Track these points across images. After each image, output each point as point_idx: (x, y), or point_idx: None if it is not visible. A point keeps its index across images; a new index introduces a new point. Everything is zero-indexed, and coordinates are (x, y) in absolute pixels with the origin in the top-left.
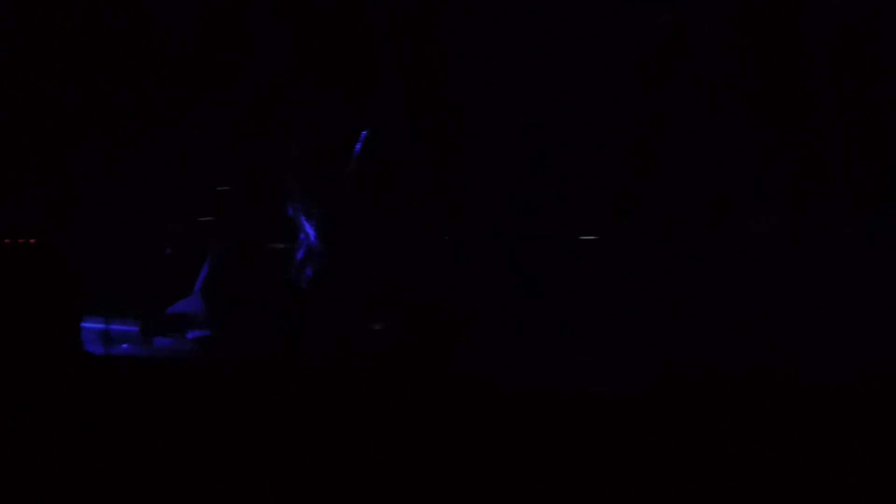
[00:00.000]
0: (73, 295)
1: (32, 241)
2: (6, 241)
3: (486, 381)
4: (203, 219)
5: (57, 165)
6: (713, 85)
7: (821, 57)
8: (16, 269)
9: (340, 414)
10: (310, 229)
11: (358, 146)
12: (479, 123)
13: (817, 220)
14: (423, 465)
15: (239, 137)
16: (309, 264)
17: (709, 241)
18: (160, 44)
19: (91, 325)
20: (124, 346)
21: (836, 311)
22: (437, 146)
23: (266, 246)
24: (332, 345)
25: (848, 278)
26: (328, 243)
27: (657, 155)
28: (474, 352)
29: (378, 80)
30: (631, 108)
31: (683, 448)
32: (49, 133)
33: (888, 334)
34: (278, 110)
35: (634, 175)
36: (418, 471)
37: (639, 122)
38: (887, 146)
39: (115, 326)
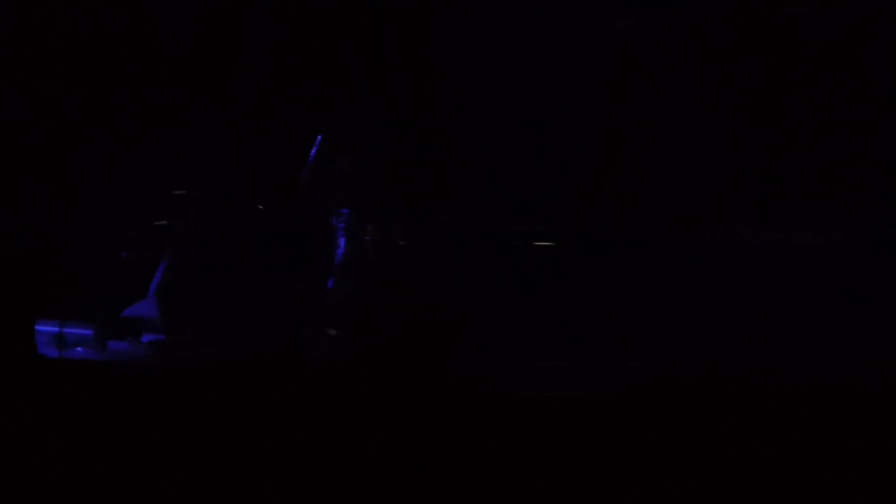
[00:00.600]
0: (27, 299)
1: None
2: None
3: (455, 386)
4: (158, 223)
5: (56, 166)
6: (677, 90)
7: (788, 63)
8: None
9: (310, 419)
10: (340, 234)
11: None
12: (448, 128)
13: (781, 228)
14: (400, 470)
15: (235, 138)
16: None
17: (674, 249)
18: (160, 44)
19: (45, 328)
20: (79, 349)
21: (802, 319)
22: (411, 150)
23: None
24: (304, 349)
25: (814, 287)
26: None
27: (618, 161)
28: (439, 359)
29: (356, 84)
30: (593, 113)
31: (647, 457)
32: (49, 133)
33: (854, 343)
34: (278, 110)
35: (596, 181)
36: (395, 478)
37: (601, 128)
38: (853, 154)
39: (70, 330)
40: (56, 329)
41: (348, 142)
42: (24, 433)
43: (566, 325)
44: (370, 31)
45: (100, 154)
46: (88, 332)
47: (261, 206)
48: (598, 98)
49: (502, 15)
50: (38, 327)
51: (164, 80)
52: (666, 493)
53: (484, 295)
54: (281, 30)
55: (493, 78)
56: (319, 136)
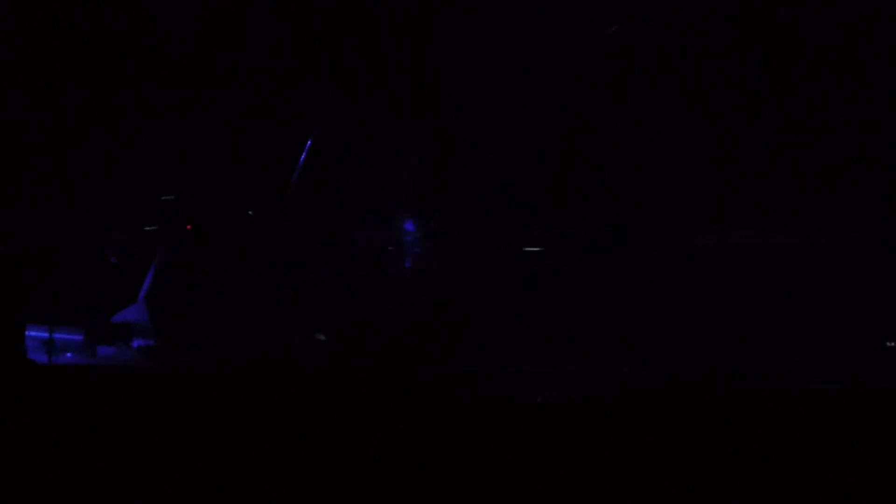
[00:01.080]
0: (17, 303)
1: None
2: None
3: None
4: (148, 228)
5: (56, 166)
6: (657, 97)
7: (765, 72)
8: None
9: (302, 423)
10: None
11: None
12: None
13: (759, 233)
14: (394, 473)
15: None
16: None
17: (654, 253)
18: (160, 44)
19: (35, 333)
20: (68, 354)
21: (780, 323)
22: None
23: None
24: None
25: (792, 290)
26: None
27: (601, 167)
28: (420, 362)
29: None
30: (575, 119)
31: (623, 458)
32: (49, 133)
33: (830, 347)
34: (278, 110)
35: (579, 187)
36: (389, 481)
37: (584, 134)
38: (829, 161)
39: (59, 335)
40: (46, 334)
41: (354, 144)
42: (16, 437)
43: (559, 330)
44: (370, 33)
45: (92, 158)
46: (78, 337)
47: (257, 209)
48: (590, 103)
49: (496, 23)
50: (28, 332)
51: (163, 80)
52: (661, 495)
53: (478, 299)
54: (281, 30)
55: (488, 84)
56: (310, 141)
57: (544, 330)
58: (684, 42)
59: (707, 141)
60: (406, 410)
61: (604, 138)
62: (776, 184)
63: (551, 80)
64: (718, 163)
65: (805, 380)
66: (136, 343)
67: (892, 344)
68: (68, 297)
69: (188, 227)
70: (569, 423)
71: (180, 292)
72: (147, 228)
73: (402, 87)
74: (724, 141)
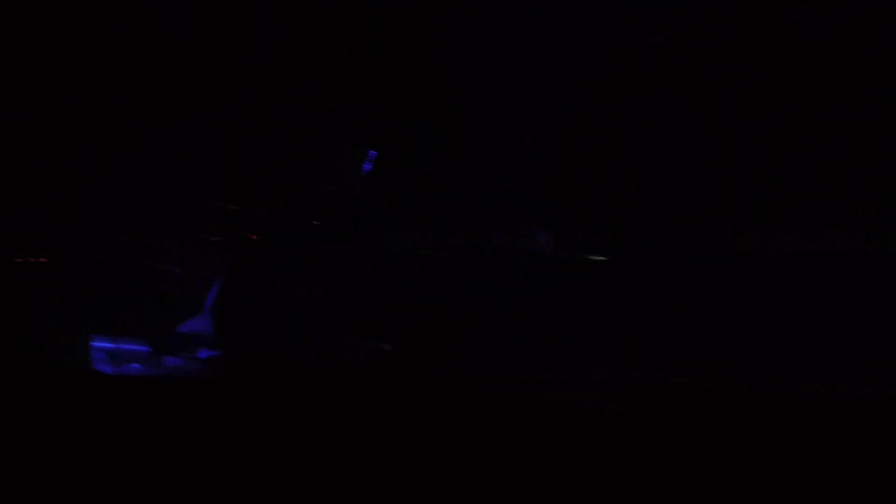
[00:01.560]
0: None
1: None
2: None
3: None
4: (213, 238)
5: (57, 166)
6: (672, 94)
7: (785, 67)
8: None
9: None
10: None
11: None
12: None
13: (777, 235)
14: (393, 477)
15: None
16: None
17: (686, 257)
18: (160, 44)
19: (100, 344)
20: (134, 365)
21: (797, 328)
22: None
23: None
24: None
25: (809, 296)
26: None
27: (623, 170)
28: (447, 367)
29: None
30: (587, 118)
31: (657, 466)
32: (49, 133)
33: (849, 353)
34: (278, 111)
35: (603, 192)
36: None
37: (596, 132)
38: (850, 161)
39: (125, 346)
40: (112, 345)
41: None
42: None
43: (577, 336)
44: (370, 33)
45: (155, 161)
46: (144, 348)
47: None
48: (591, 102)
49: (496, 26)
50: (93, 343)
51: (166, 80)
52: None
53: (479, 302)
54: (281, 30)
55: (487, 83)
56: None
57: (571, 336)
58: (691, 40)
59: (715, 139)
60: (418, 413)
61: (606, 138)
62: (787, 183)
63: (556, 80)
64: (728, 163)
65: (822, 386)
66: (202, 353)
67: None
68: (134, 308)
69: (253, 237)
70: (580, 428)
71: (247, 301)
72: (212, 238)
73: (403, 87)
74: (733, 139)
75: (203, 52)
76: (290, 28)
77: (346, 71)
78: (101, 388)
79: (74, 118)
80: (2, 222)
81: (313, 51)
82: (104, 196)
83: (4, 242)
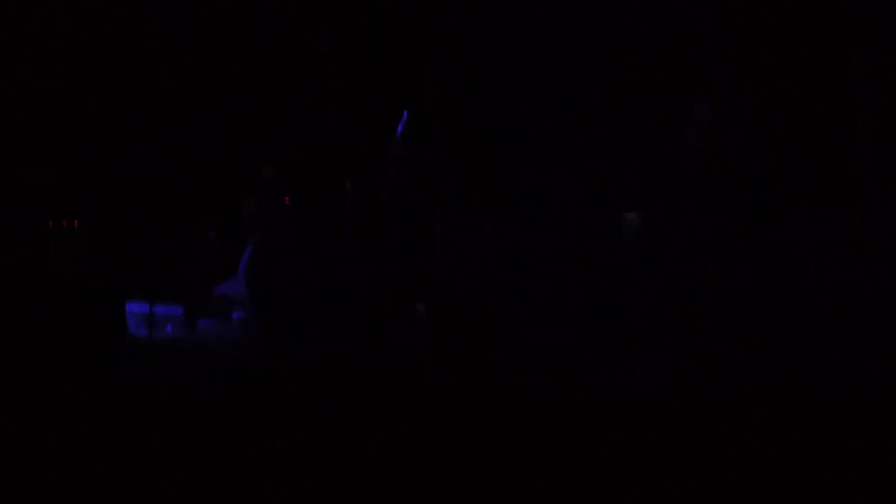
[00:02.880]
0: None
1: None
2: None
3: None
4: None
5: (57, 165)
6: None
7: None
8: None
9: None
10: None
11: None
12: (504, 120)
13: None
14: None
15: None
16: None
17: (740, 236)
18: (160, 44)
19: (135, 308)
20: (168, 328)
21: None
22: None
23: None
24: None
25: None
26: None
27: (683, 148)
28: (506, 344)
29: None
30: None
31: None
32: (49, 133)
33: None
34: (279, 110)
35: (660, 170)
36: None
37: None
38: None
39: (159, 309)
40: (146, 309)
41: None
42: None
43: (633, 312)
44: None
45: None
46: (178, 311)
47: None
48: (614, 89)
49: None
50: (128, 307)
51: (166, 80)
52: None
53: (557, 282)
54: (281, 29)
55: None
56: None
57: (628, 311)
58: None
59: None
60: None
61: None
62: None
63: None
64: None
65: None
66: (235, 315)
67: None
68: (168, 272)
69: (286, 199)
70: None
71: (278, 269)
72: (246, 201)
73: (402, 87)
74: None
75: (203, 52)
76: (290, 28)
77: (346, 71)
78: (100, 387)
79: (74, 118)
80: (2, 222)
81: (313, 51)
82: (201, 171)
83: (4, 242)
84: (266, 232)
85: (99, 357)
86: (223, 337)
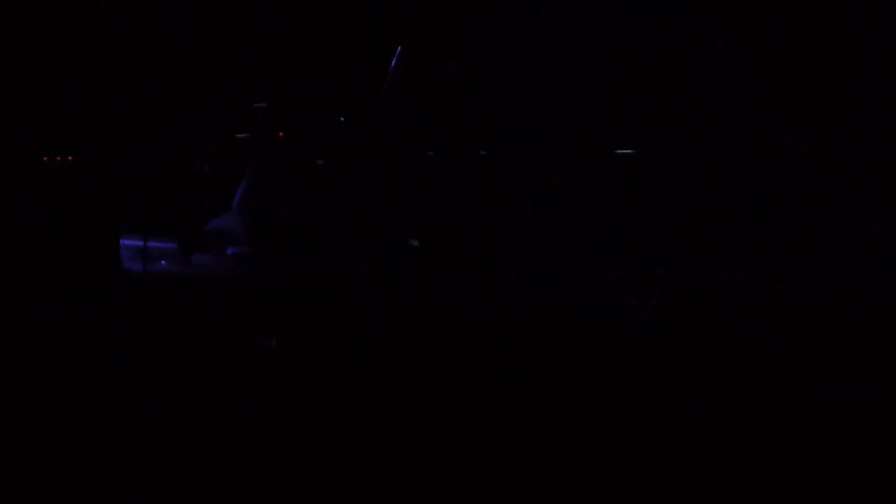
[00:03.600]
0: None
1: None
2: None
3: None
4: (240, 135)
5: (57, 165)
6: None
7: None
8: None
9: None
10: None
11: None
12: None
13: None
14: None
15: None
16: None
17: (736, 158)
18: (160, 44)
19: (129, 242)
20: (162, 262)
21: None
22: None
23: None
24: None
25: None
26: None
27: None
28: (504, 269)
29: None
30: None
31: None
32: (49, 133)
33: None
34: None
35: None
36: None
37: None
38: None
39: (154, 244)
40: (140, 243)
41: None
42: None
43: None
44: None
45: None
46: (172, 245)
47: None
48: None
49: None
50: (122, 242)
51: (166, 80)
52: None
53: (553, 208)
54: (281, 30)
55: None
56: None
57: (626, 236)
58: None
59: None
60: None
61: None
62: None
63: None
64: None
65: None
66: (230, 250)
67: None
68: (162, 206)
69: (280, 133)
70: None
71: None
72: (239, 135)
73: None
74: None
75: (203, 52)
76: (290, 28)
77: (346, 70)
78: (100, 387)
79: (74, 118)
80: (2, 222)
81: (313, 50)
82: (185, 111)
83: (4, 242)
84: (260, 166)
85: (99, 357)
86: (217, 271)
